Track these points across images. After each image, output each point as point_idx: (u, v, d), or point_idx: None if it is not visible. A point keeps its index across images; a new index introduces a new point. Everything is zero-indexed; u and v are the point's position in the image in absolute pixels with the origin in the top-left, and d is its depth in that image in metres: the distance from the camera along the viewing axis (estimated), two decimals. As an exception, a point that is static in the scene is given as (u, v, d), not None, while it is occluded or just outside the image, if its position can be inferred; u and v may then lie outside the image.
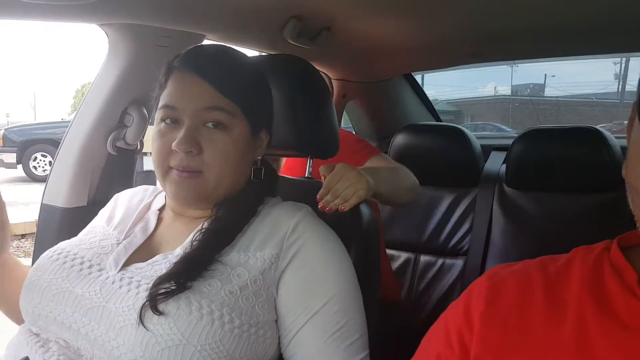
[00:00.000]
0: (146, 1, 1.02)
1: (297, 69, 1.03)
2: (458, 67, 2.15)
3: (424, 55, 1.73)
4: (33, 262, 1.14)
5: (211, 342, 0.65)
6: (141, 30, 1.14)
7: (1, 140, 7.92)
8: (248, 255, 0.73)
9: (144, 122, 1.21)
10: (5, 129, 8.34)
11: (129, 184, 1.25)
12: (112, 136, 1.17)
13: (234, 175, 0.79)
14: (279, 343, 0.75)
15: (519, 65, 7.56)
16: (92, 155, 1.17)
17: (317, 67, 1.71)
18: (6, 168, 8.19)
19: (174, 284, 0.67)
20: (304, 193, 0.97)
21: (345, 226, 0.89)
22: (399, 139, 1.80)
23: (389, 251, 1.82)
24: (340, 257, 0.79)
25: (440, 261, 1.76)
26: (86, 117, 1.16)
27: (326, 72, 1.81)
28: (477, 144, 1.78)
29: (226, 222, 0.77)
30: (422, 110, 2.23)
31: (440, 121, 2.32)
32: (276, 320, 0.74)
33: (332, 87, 1.87)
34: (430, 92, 2.44)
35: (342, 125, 2.22)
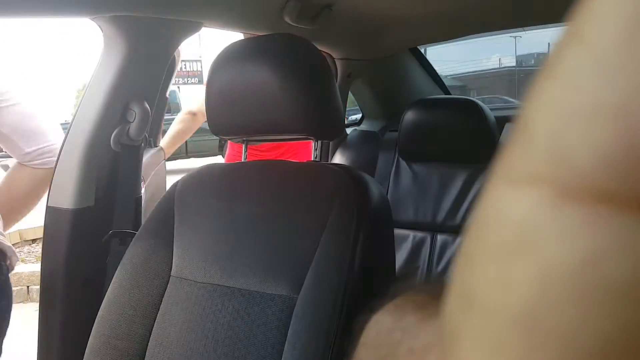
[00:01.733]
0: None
1: (296, 48, 0.99)
2: (461, 40, 2.09)
3: (429, 27, 1.68)
4: (42, 266, 1.12)
5: None
6: (136, 21, 1.09)
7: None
8: None
9: (147, 116, 1.17)
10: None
11: (136, 180, 1.22)
12: (115, 133, 1.14)
13: None
14: None
15: (522, 35, 7.43)
16: (96, 154, 1.13)
17: (320, 48, 1.67)
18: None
19: None
20: (308, 176, 0.94)
21: (351, 208, 0.86)
22: (409, 116, 1.75)
23: (402, 231, 1.78)
24: None
25: (458, 240, 1.72)
26: (87, 115, 1.13)
27: (329, 52, 1.76)
28: (491, 116, 1.72)
29: None
30: (430, 85, 2.17)
31: (450, 94, 2.26)
32: None
33: (336, 68, 1.82)
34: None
35: (349, 105, 2.17)
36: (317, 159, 1.06)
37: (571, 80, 0.11)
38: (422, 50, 2.53)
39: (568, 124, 0.11)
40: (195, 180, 1.03)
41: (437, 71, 2.25)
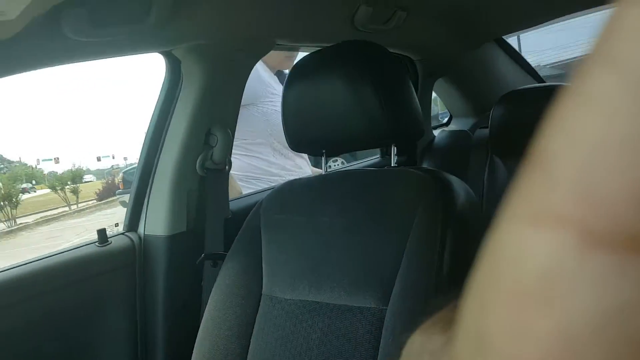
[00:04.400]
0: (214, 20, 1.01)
1: (367, 54, 0.97)
2: (559, 23, 1.95)
3: (516, 13, 1.57)
4: (139, 293, 1.17)
5: None
6: (213, 48, 1.12)
7: (122, 183, 8.59)
8: None
9: (229, 139, 1.20)
10: (124, 172, 9.03)
11: (223, 202, 1.24)
12: (200, 158, 1.18)
13: None
14: None
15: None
16: (184, 180, 1.18)
17: (396, 51, 1.63)
18: (128, 209, 8.86)
19: None
20: (389, 183, 0.90)
21: (436, 212, 0.82)
22: (499, 111, 1.65)
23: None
24: None
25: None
26: (173, 144, 1.17)
27: (407, 55, 1.71)
28: None
29: None
30: (521, 75, 2.04)
31: (544, 83, 2.11)
32: None
33: (416, 70, 1.77)
34: (531, 59, 2.23)
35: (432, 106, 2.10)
36: (396, 165, 1.03)
37: (600, 107, 0.10)
38: (516, 42, 2.40)
39: (596, 157, 0.10)
40: (278, 197, 1.04)
41: (536, 62, 2.11)
